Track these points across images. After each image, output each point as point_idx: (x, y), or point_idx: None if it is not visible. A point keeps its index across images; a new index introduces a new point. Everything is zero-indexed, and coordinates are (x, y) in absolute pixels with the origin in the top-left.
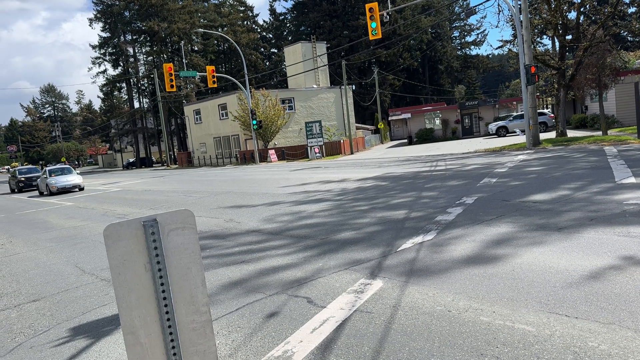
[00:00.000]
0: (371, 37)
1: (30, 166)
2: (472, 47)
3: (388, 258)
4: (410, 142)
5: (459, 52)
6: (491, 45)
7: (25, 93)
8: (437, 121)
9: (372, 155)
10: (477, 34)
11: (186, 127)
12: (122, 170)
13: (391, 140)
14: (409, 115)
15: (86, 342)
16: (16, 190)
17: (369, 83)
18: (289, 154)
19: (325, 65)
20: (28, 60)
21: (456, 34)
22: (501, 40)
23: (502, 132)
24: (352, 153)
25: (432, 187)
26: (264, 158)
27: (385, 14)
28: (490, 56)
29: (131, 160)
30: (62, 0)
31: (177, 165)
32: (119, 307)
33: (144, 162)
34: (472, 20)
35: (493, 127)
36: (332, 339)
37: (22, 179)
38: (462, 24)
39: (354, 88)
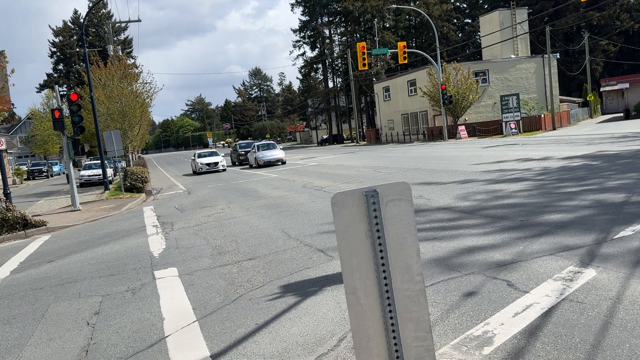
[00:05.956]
0: None
1: (249, 141)
2: None
3: (603, 246)
4: (628, 117)
5: None
6: None
7: (237, 76)
8: None
9: (579, 131)
10: None
11: (375, 105)
12: (317, 146)
13: (602, 114)
14: (626, 85)
15: (295, 299)
16: (237, 163)
17: (576, 50)
18: (480, 130)
19: (525, 33)
20: (239, 47)
21: None
22: None
23: None
24: (554, 129)
25: None
26: (452, 134)
27: None
28: None
29: (325, 137)
30: None
31: (365, 142)
32: (343, 269)
33: (335, 139)
34: None
35: None
36: (537, 325)
37: (242, 152)
38: None
39: (558, 56)
